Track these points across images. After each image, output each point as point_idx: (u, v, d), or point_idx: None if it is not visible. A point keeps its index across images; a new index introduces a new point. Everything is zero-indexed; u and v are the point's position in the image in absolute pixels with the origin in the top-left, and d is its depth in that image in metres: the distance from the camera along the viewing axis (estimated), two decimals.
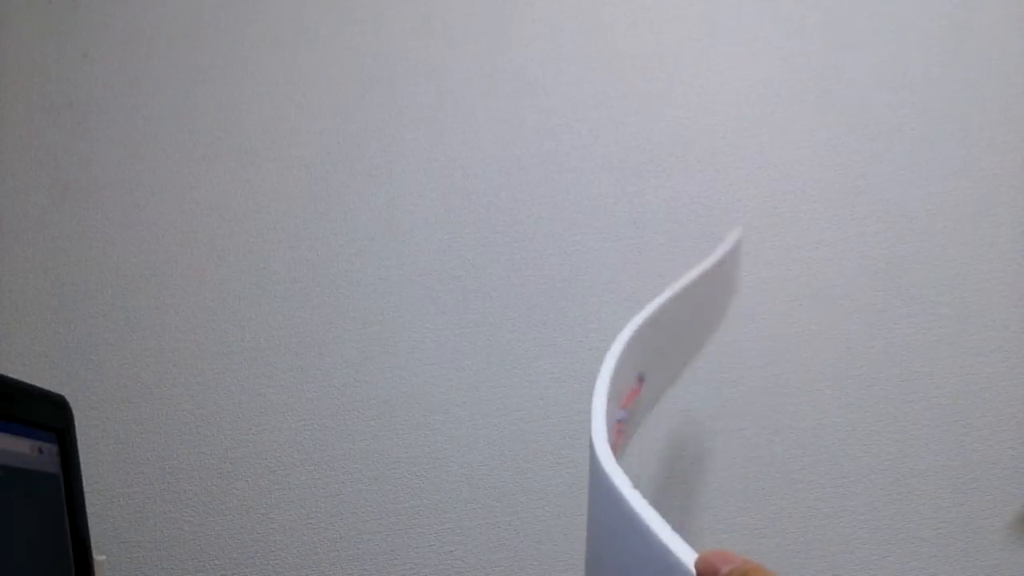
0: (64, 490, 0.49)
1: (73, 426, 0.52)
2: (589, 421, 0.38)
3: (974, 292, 0.83)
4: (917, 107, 0.87)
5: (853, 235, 0.84)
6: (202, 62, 0.88)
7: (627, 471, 0.32)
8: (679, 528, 0.26)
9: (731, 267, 0.65)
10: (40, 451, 0.47)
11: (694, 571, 0.25)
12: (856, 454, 0.79)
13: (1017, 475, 0.78)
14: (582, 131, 0.87)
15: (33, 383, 0.48)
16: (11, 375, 0.45)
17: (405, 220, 0.85)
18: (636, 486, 0.30)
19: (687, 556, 0.25)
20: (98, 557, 0.53)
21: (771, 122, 0.87)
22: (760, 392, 0.81)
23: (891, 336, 0.82)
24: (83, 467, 0.52)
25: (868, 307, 0.83)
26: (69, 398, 0.52)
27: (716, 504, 0.78)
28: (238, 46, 0.88)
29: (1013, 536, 0.77)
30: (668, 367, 0.56)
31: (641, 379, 0.47)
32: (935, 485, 0.78)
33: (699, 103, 0.88)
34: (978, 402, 0.80)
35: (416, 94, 0.88)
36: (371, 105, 0.87)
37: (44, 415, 0.48)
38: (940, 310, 0.82)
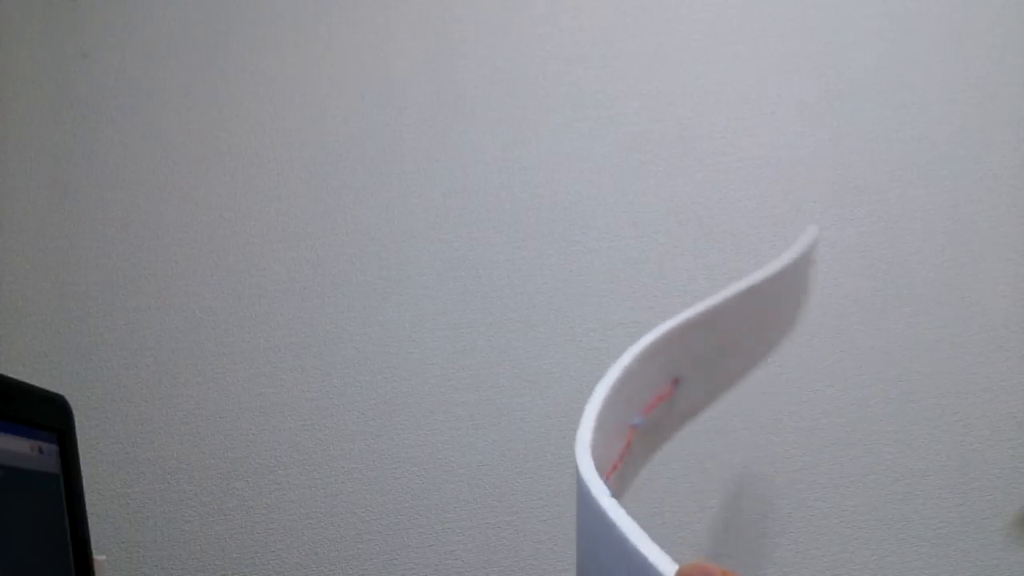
0: (64, 490, 0.49)
1: (73, 426, 0.51)
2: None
3: (974, 292, 0.83)
4: (917, 107, 0.87)
5: (853, 235, 0.84)
6: (202, 62, 0.88)
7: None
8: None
9: (803, 271, 0.58)
10: (40, 451, 0.47)
11: None
12: (856, 454, 0.79)
13: (1017, 475, 0.78)
14: (582, 131, 0.87)
15: (33, 383, 0.48)
16: (11, 375, 0.45)
17: (405, 220, 0.85)
18: (615, 494, 0.29)
19: (667, 569, 0.25)
20: (98, 557, 0.53)
21: (771, 122, 0.87)
22: (760, 392, 0.81)
23: (891, 336, 0.82)
24: (83, 467, 0.52)
25: (868, 307, 0.83)
26: (69, 398, 0.52)
27: (715, 504, 0.78)
28: (238, 46, 0.88)
29: (1013, 536, 0.77)
30: (717, 375, 0.51)
31: (675, 383, 0.44)
32: (935, 485, 0.78)
33: (699, 103, 0.88)
34: (978, 402, 0.80)
35: (416, 94, 0.88)
36: (371, 105, 0.87)
37: (44, 415, 0.48)
38: (940, 310, 0.82)
